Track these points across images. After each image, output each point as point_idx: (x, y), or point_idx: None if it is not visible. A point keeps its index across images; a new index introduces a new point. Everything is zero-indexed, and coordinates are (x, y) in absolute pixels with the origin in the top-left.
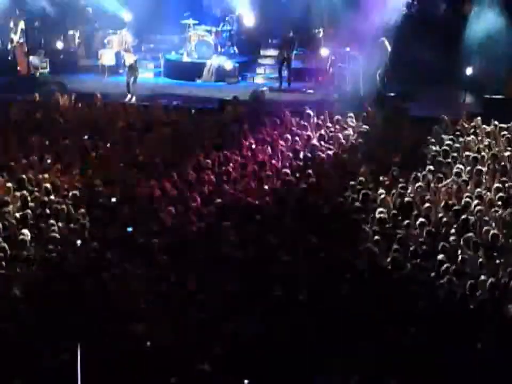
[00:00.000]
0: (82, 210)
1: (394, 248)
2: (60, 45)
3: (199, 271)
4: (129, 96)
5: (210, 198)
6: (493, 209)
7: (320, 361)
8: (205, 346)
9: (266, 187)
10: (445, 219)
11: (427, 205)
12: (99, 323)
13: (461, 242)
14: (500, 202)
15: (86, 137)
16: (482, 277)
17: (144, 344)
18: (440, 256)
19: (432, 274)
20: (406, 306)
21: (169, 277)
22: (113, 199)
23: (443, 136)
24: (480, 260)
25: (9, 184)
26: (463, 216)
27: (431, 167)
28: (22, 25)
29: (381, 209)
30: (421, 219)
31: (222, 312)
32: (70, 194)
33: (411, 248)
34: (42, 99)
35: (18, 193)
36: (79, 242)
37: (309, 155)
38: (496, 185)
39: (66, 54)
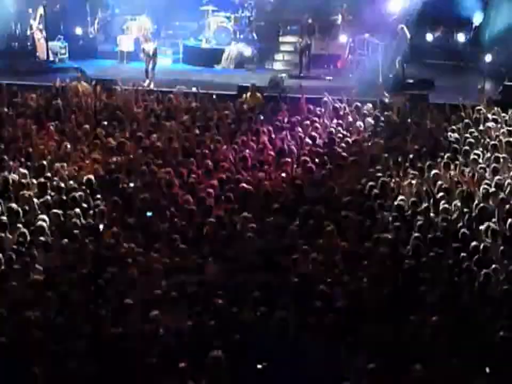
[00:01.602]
0: (100, 196)
1: (414, 235)
2: (79, 30)
3: (217, 259)
4: (147, 81)
5: (229, 185)
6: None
7: (340, 348)
8: (220, 333)
9: (284, 174)
10: (462, 206)
11: (444, 192)
12: (117, 308)
13: (481, 230)
14: None
15: (105, 123)
16: (500, 266)
17: (159, 329)
18: (459, 244)
19: (450, 261)
20: (424, 293)
21: (187, 263)
22: (131, 185)
23: (462, 123)
24: (500, 248)
25: (24, 171)
26: (481, 204)
27: (450, 154)
28: (41, 10)
29: (400, 196)
30: (439, 206)
31: (239, 300)
32: (89, 180)
33: (430, 236)
34: (61, 85)
35: (34, 180)
36: (101, 227)
37: (328, 142)
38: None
39: (86, 39)
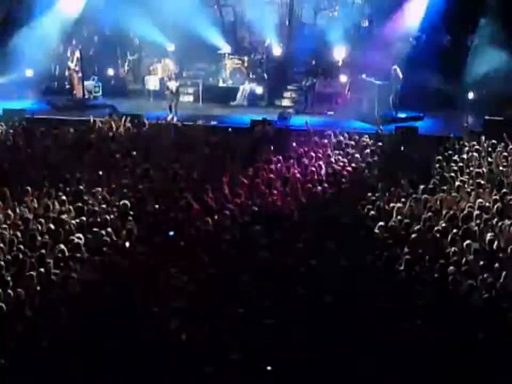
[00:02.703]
0: (130, 218)
1: (406, 251)
2: (111, 71)
3: (233, 272)
4: (171, 116)
5: (243, 208)
6: (492, 218)
7: (337, 351)
8: (237, 338)
9: (289, 198)
10: (449, 226)
11: (433, 214)
12: (144, 317)
13: (464, 247)
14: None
15: (134, 152)
16: (481, 278)
17: (180, 337)
18: (444, 260)
19: (436, 275)
20: (414, 302)
21: (207, 276)
22: (156, 206)
23: (448, 153)
24: (481, 263)
25: (63, 197)
26: (464, 224)
27: (437, 181)
28: (77, 54)
29: (394, 218)
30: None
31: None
32: (119, 203)
33: (419, 251)
34: (95, 120)
35: (71, 205)
36: (127, 244)
37: (330, 170)
38: (494, 197)
39: (117, 79)
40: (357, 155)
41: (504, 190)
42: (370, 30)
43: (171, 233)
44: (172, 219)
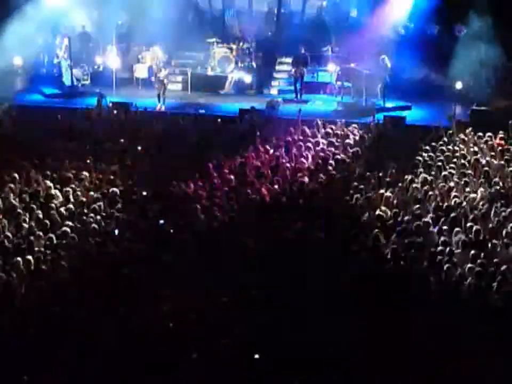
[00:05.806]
0: (118, 205)
1: (393, 241)
2: (99, 59)
3: (220, 260)
4: (159, 105)
5: (231, 197)
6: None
7: (325, 339)
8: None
9: (277, 187)
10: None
11: (420, 203)
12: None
13: (451, 237)
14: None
15: (121, 140)
16: (469, 266)
17: (169, 323)
18: (433, 249)
19: (425, 264)
20: (403, 291)
21: (194, 264)
22: (144, 193)
23: (435, 143)
24: (469, 252)
25: (49, 183)
26: (452, 214)
27: (424, 171)
28: (66, 42)
29: (381, 207)
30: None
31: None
32: (108, 191)
33: (406, 241)
34: (83, 108)
35: (58, 191)
36: (116, 231)
37: (319, 160)
38: (480, 187)
39: (105, 67)
40: (345, 144)
41: (492, 180)
42: (359, 19)
43: (161, 221)
44: (160, 207)
